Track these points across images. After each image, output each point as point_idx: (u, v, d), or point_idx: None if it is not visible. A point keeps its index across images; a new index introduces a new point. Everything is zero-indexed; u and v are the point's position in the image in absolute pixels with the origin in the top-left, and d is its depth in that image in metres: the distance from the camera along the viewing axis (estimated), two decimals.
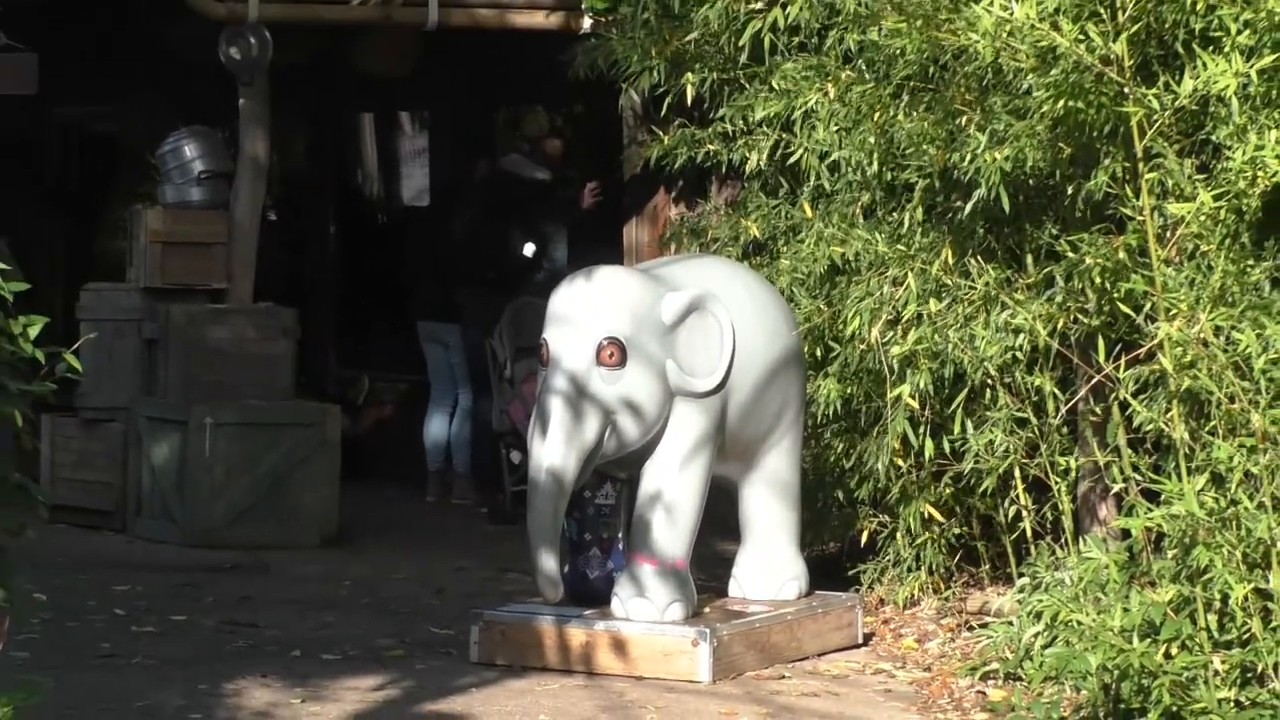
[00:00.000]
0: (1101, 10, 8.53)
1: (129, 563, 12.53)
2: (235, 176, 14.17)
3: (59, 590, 10.45)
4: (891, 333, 10.22)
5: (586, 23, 13.55)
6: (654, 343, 9.80)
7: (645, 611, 9.90)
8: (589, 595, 10.10)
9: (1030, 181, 9.42)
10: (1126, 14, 8.51)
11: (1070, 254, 9.29)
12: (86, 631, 10.04)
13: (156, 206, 14.43)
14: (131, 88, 16.81)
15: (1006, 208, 9.39)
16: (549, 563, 9.82)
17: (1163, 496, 8.11)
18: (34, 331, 6.19)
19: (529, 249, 14.88)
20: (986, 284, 9.69)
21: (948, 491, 10.58)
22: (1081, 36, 8.42)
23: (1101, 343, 9.37)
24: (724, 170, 12.15)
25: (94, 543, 12.42)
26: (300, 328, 14.25)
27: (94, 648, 9.96)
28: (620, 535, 10.15)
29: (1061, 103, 8.66)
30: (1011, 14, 8.41)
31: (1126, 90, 8.63)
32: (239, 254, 14.01)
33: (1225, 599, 7.92)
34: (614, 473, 10.12)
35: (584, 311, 9.87)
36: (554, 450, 9.70)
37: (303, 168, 16.90)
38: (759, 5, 10.17)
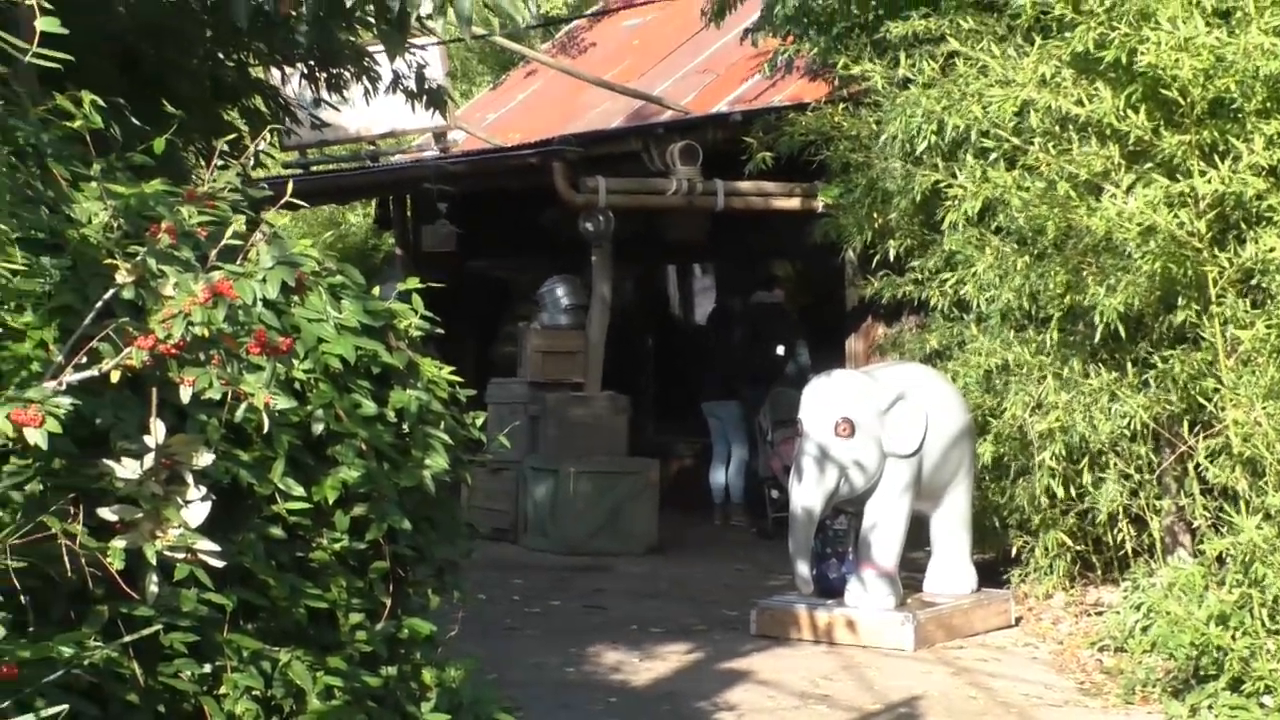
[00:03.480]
0: (1188, 200, 8.32)
1: (520, 564, 12.56)
2: (589, 308, 14.21)
3: (476, 584, 10.45)
4: (1035, 414, 10.06)
5: (821, 205, 13.44)
6: (873, 421, 9.78)
7: (868, 601, 9.85)
8: (830, 590, 10.05)
9: (1132, 314, 9.19)
10: (1205, 202, 8.29)
11: (1161, 364, 9.11)
12: (494, 611, 10.01)
13: (537, 327, 14.51)
14: (520, 249, 16.95)
15: (1123, 334, 9.19)
16: (803, 568, 9.88)
17: (1230, 528, 7.94)
18: (479, 421, 6.17)
19: (779, 350, 14.80)
20: (1103, 383, 9.50)
21: (1073, 522, 10.37)
22: (1174, 218, 8.21)
23: (1185, 423, 9.21)
24: (914, 302, 11.97)
25: (497, 551, 12.46)
26: (631, 408, 14.27)
27: (499, 623, 9.98)
28: (850, 550, 10.07)
29: (1158, 263, 8.45)
30: (1126, 204, 8.22)
31: (1204, 255, 8.42)
32: (592, 360, 14.05)
33: (1276, 599, 7.73)
34: (846, 508, 10.09)
35: (826, 400, 9.85)
36: (807, 493, 9.71)
37: (631, 301, 16.91)
38: (943, 185, 9.95)
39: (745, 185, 13.78)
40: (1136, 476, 9.84)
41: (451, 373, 6.09)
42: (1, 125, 4.91)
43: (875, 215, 12.08)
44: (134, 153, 5.89)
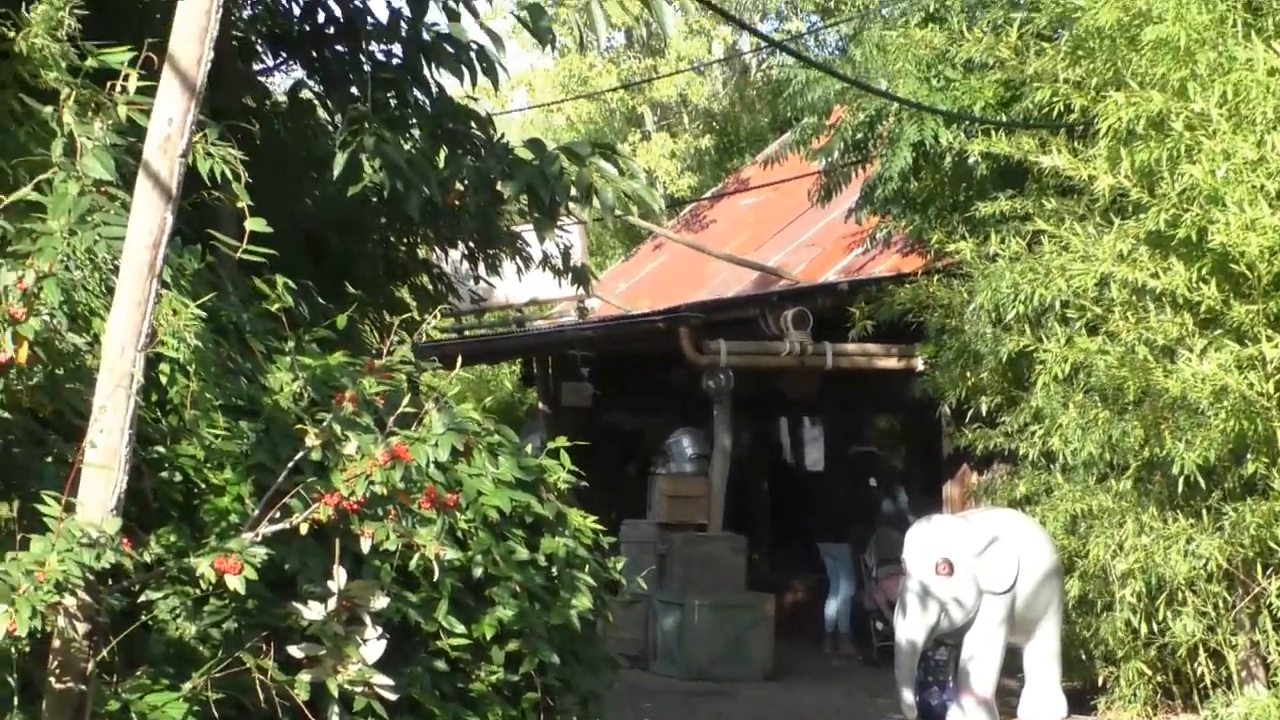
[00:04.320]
0: (1257, 363, 8.21)
1: (650, 689, 12.44)
2: (711, 457, 14.19)
3: (614, 710, 10.42)
4: (1116, 556, 9.88)
5: (919, 364, 13.39)
6: (970, 561, 9.66)
7: None
8: (932, 716, 9.94)
9: (1206, 466, 9.03)
10: (1273, 365, 8.18)
11: (1234, 512, 8.95)
12: None
13: (665, 474, 14.50)
14: (650, 404, 17.00)
15: (1198, 483, 9.03)
16: (908, 695, 9.72)
17: None
18: (619, 565, 6.18)
19: (882, 495, 14.71)
20: (1180, 528, 9.33)
21: (1154, 654, 10.13)
22: (1245, 380, 8.11)
23: (1258, 565, 9.01)
24: (1005, 452, 11.83)
25: (631, 677, 12.32)
26: (748, 546, 14.18)
27: None
28: (950, 678, 9.90)
29: (1231, 421, 8.33)
30: (1200, 367, 8.13)
31: (1273, 413, 8.29)
32: (714, 503, 14.00)
33: None
34: (946, 640, 9.95)
35: (928, 542, 9.75)
36: (911, 626, 9.58)
37: (748, 450, 16.86)
38: (1035, 350, 9.90)
39: (851, 347, 13.77)
40: (1213, 613, 9.61)
41: (594, 521, 6.14)
42: (209, 307, 5.04)
43: (968, 374, 12.00)
44: (319, 328, 6.01)
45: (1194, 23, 8.67)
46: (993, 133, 10.52)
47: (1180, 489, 9.34)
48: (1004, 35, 10.72)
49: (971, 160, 11.56)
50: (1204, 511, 9.35)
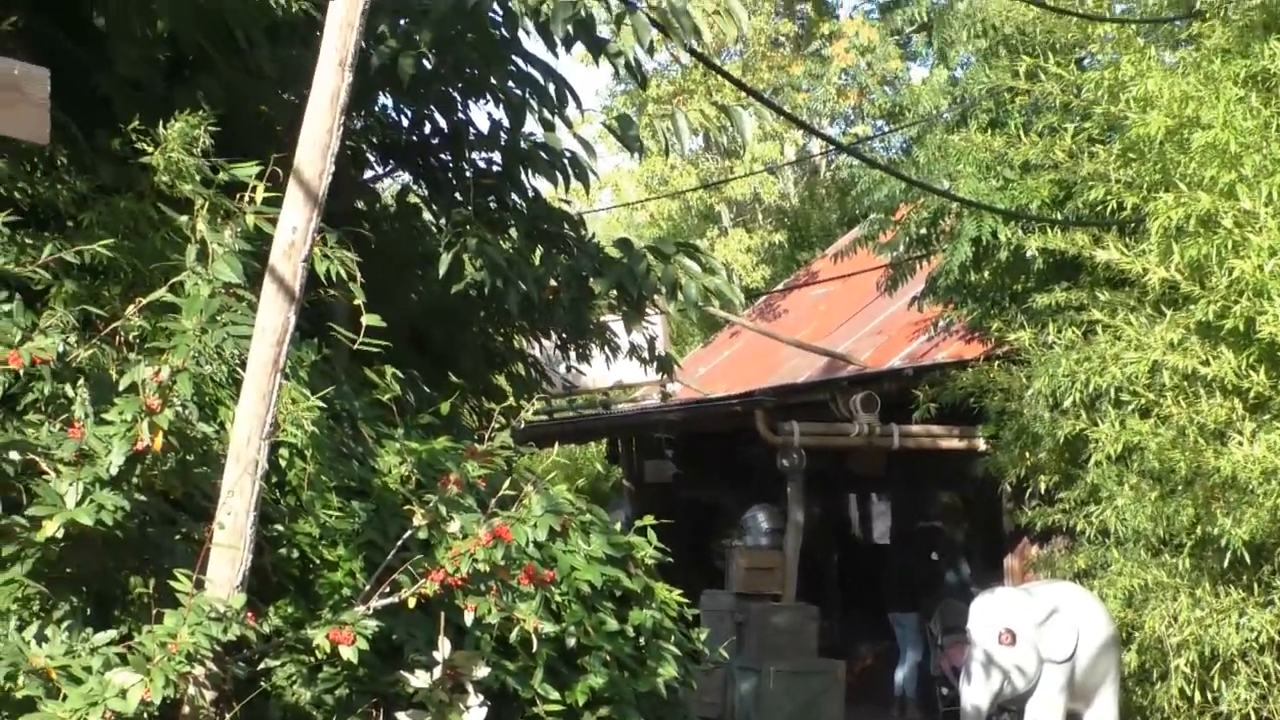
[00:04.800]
0: None
1: None
2: (785, 531, 14.11)
3: None
4: (1171, 628, 9.70)
5: (981, 444, 13.28)
6: (1032, 631, 9.51)
7: None
8: None
9: (1256, 543, 8.88)
10: None
11: None
12: None
13: (741, 547, 14.44)
14: (727, 481, 16.96)
15: (1248, 559, 8.88)
16: None
17: None
18: (702, 636, 6.16)
19: (946, 566, 14.57)
20: (1231, 601, 9.16)
21: None
22: None
23: None
24: (1063, 528, 11.68)
25: None
26: (820, 615, 14.06)
27: None
28: None
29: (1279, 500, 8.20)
30: (1250, 449, 8.02)
31: None
32: (788, 575, 13.89)
33: None
34: (1009, 706, 9.77)
35: (991, 613, 9.61)
36: (976, 693, 9.43)
37: (820, 525, 16.74)
38: (1091, 432, 9.78)
39: (916, 428, 13.67)
40: (1264, 683, 9.40)
41: (678, 594, 6.14)
42: (325, 396, 5.11)
43: (1027, 454, 11.87)
44: (424, 414, 6.08)
45: (1240, 128, 8.61)
46: (1048, 229, 10.48)
47: (1231, 564, 9.17)
48: (1059, 139, 10.68)
49: (1028, 254, 11.50)
50: (1255, 585, 9.18)
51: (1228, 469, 8.39)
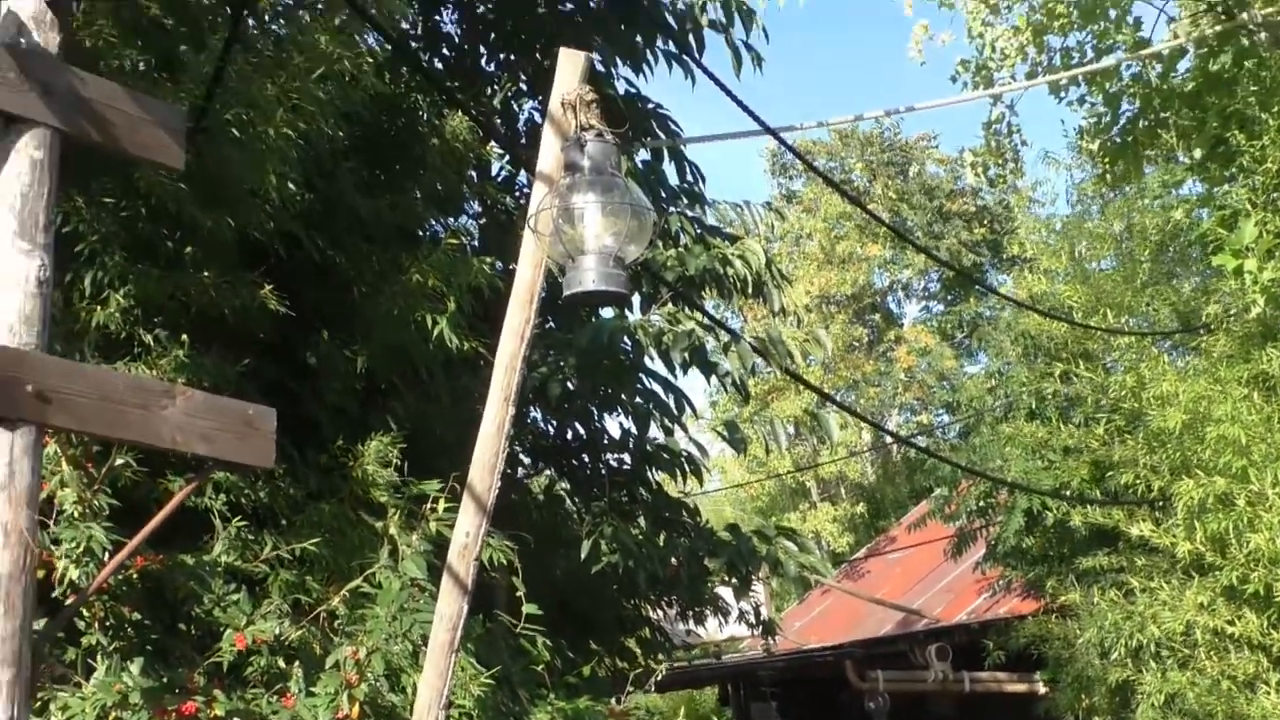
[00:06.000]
0: None
1: None
2: None
3: None
4: None
5: (1041, 688, 12.82)
6: None
7: None
8: None
9: None
10: None
11: None
12: None
13: None
14: None
15: None
16: None
17: None
18: None
19: None
20: None
21: None
22: None
23: None
24: None
25: None
26: None
27: None
28: None
29: None
30: (1279, 697, 7.69)
31: None
32: None
33: None
34: None
35: None
36: None
37: None
38: (1137, 680, 9.38)
39: (984, 674, 13.27)
40: None
41: None
42: (487, 664, 5.13)
43: (1082, 697, 11.39)
44: (569, 677, 6.06)
45: (1247, 422, 8.53)
46: (1088, 506, 10.33)
47: None
48: (1092, 428, 10.63)
49: (1072, 524, 11.30)
50: None
51: (1259, 715, 8.02)
